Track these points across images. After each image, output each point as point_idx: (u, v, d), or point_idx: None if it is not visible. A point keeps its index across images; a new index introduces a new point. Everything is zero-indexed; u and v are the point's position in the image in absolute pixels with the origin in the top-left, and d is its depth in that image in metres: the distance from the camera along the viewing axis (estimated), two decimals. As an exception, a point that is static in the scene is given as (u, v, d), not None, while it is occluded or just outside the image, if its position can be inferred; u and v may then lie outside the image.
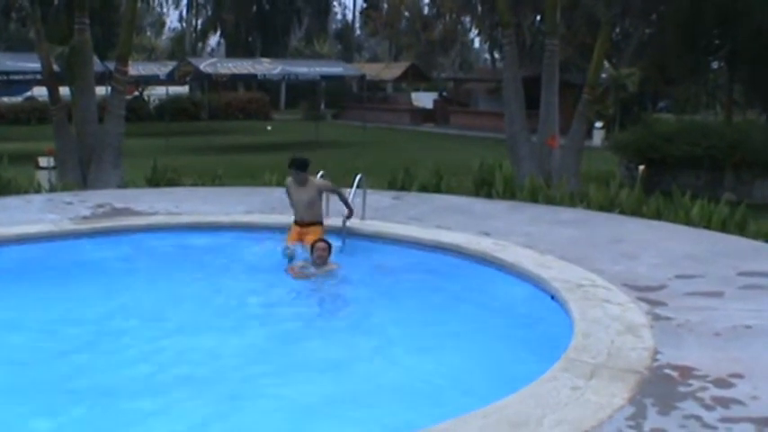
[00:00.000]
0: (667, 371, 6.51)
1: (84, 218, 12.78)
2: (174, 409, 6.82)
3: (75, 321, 8.94)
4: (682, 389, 6.17)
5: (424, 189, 16.29)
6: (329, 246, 10.54)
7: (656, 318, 7.92)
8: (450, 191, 16.30)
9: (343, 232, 12.05)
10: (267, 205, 14.06)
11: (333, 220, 12.46)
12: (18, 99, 44.14)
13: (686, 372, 6.50)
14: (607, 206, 14.21)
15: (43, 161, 17.18)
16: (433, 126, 46.06)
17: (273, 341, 8.60)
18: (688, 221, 13.03)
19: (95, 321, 8.97)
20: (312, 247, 10.51)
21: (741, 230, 12.52)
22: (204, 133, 37.04)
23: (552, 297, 9.01)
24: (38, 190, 15.82)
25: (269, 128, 41.85)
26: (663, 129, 21.51)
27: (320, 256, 10.39)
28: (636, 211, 13.76)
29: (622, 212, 13.88)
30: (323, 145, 32.06)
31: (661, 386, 6.20)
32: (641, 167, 14.85)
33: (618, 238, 11.78)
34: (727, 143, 19.57)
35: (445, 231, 11.96)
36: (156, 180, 16.89)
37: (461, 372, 7.54)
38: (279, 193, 15.31)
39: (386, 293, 9.96)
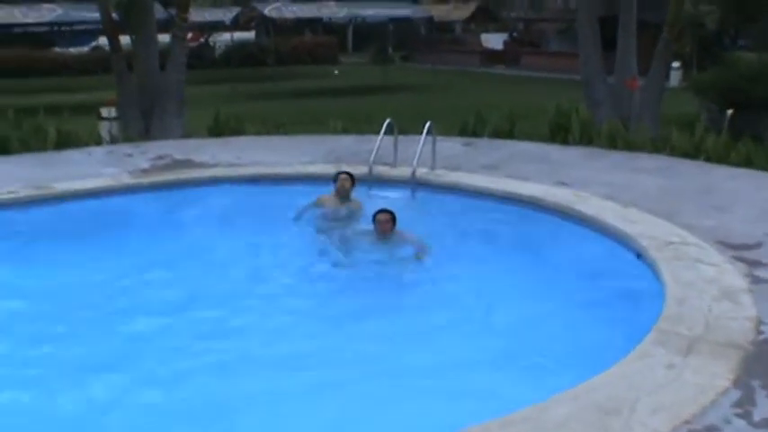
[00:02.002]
0: (774, 345, 5.83)
1: (144, 171, 12.37)
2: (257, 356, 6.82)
3: (127, 278, 8.63)
4: (794, 368, 5.48)
5: (496, 135, 15.52)
6: (393, 217, 9.32)
7: (756, 281, 7.18)
8: (523, 136, 15.52)
9: (413, 184, 11.46)
10: (332, 155, 13.49)
11: (401, 170, 11.87)
12: (85, 49, 43.99)
13: (796, 346, 5.80)
14: (692, 153, 13.31)
15: (105, 112, 16.75)
16: (503, 68, 44.81)
17: (338, 300, 8.18)
18: (781, 169, 12.12)
19: (148, 277, 8.65)
20: (374, 218, 9.33)
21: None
22: (270, 79, 36.51)
23: (638, 255, 8.30)
24: (99, 142, 15.45)
25: (336, 72, 41.09)
26: (746, 68, 20.25)
27: (383, 230, 9.26)
28: (723, 159, 12.84)
29: (708, 159, 12.97)
30: (391, 89, 31.30)
31: (769, 364, 5.52)
32: (729, 111, 13.83)
33: (706, 188, 10.97)
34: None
35: (520, 182, 11.27)
36: (219, 130, 16.38)
37: (538, 339, 6.91)
38: (345, 142, 14.81)
39: (457, 250, 9.35)
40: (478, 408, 5.55)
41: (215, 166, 12.70)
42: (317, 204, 10.48)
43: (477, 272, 8.65)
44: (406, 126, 13.44)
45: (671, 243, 8.23)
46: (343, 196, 10.38)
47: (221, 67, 42.15)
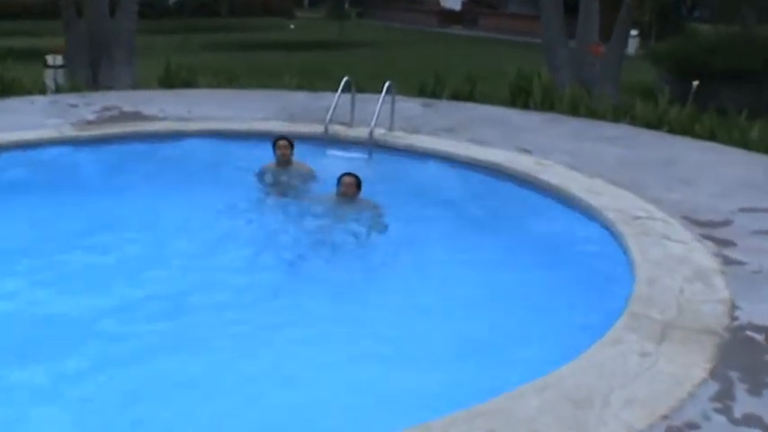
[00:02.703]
0: (750, 332, 5.53)
1: (89, 122, 11.78)
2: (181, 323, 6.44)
3: (63, 236, 8.15)
4: (771, 358, 5.21)
5: (455, 97, 15.14)
6: (358, 182, 9.03)
7: (727, 261, 6.90)
8: (483, 99, 15.15)
9: (370, 145, 11.05)
10: (286, 112, 13.00)
11: (358, 130, 11.44)
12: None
13: (772, 334, 5.53)
14: (654, 123, 13.04)
15: (51, 59, 16.04)
16: (460, 29, 44.33)
17: (283, 267, 7.76)
18: (745, 144, 11.87)
19: (84, 237, 8.16)
20: (339, 180, 8.97)
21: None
22: (224, 30, 35.68)
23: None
24: (43, 91, 14.78)
25: (292, 26, 40.35)
26: (704, 39, 20.02)
27: (345, 192, 8.94)
28: (687, 131, 12.58)
29: (671, 131, 12.71)
30: (347, 46, 30.73)
31: (746, 354, 5.22)
32: (695, 83, 13.56)
33: (670, 159, 10.70)
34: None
35: (481, 146, 10.92)
36: (170, 81, 15.77)
37: (500, 318, 6.55)
38: (300, 98, 14.32)
39: (414, 215, 8.93)
40: (437, 392, 5.25)
41: (164, 119, 12.15)
42: (265, 169, 10.07)
43: (436, 241, 8.30)
44: (362, 84, 12.98)
45: (637, 217, 7.94)
46: (284, 163, 9.93)
47: (174, 17, 41.12)
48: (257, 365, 5.78)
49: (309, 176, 10.02)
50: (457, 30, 43.57)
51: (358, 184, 8.93)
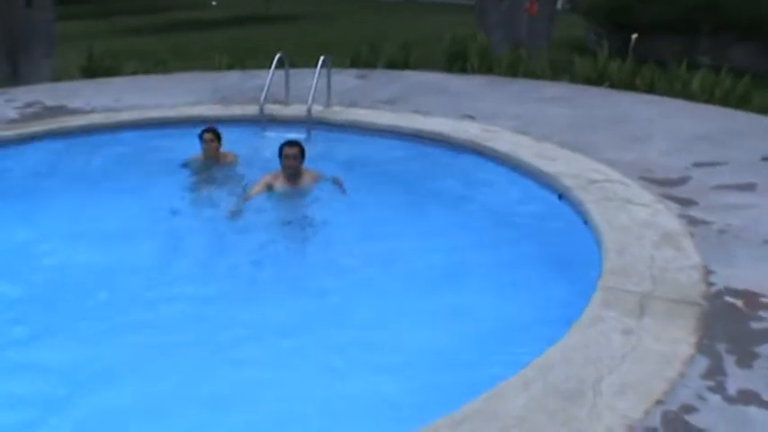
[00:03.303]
0: (728, 298, 5.29)
1: (11, 121, 11.17)
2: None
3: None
4: (755, 325, 4.96)
5: (391, 65, 14.76)
6: (302, 150, 8.43)
7: (692, 222, 6.68)
8: (419, 67, 14.79)
9: (308, 123, 10.65)
10: (218, 94, 12.52)
11: (294, 108, 11.03)
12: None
13: (751, 298, 5.29)
14: (595, 79, 12.82)
15: (-35, 54, 15.29)
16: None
17: (228, 259, 7.34)
18: (686, 95, 11.71)
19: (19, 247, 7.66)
20: (280, 153, 8.38)
21: (744, 105, 11.23)
22: (146, 12, 34.69)
23: (560, 196, 7.73)
24: (-41, 88, 14.05)
25: (214, 3, 39.39)
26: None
27: (290, 166, 8.36)
28: (628, 86, 12.38)
29: (612, 86, 12.50)
30: (274, 19, 30.04)
31: (728, 322, 4.98)
32: (634, 35, 13.34)
33: (617, 117, 10.48)
34: (704, 3, 17.98)
35: (423, 117, 10.59)
36: (93, 69, 15.11)
37: (464, 301, 6.23)
38: (231, 79, 13.82)
39: (360, 198, 8.46)
40: (407, 386, 4.93)
41: (90, 112, 11.58)
42: (192, 161, 9.56)
43: (389, 222, 7.90)
44: (294, 59, 12.53)
45: (595, 181, 7.69)
46: (211, 156, 9.39)
47: (92, 1, 39.87)
48: (218, 384, 5.32)
49: (234, 164, 9.57)
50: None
51: (302, 153, 8.41)
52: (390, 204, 8.28)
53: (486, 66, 13.95)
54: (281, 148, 8.40)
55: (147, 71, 15.26)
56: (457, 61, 14.38)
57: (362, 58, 15.01)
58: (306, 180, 8.48)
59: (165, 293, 6.59)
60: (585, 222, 6.97)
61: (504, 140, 9.27)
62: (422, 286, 6.52)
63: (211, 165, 9.39)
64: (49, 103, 12.22)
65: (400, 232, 7.58)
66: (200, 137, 9.31)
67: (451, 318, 5.97)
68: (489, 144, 9.16)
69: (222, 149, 9.50)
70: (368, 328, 5.88)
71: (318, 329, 5.87)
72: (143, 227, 8.04)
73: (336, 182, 8.50)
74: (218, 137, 9.36)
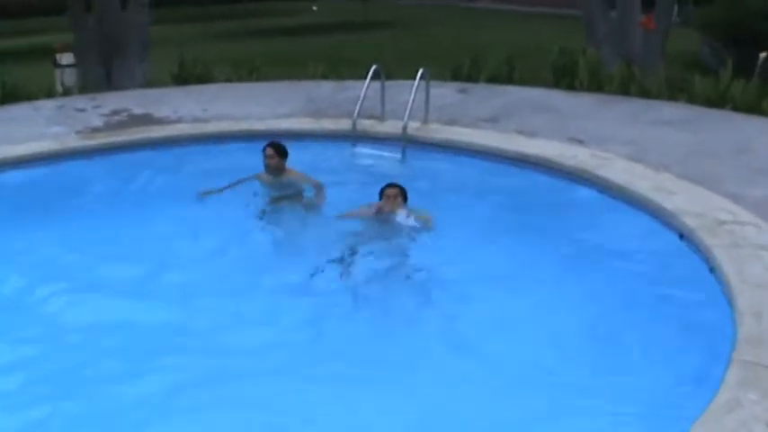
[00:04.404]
0: None
1: (95, 130, 10.76)
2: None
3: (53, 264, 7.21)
4: None
5: (493, 80, 13.92)
6: (403, 191, 7.78)
7: (843, 277, 5.74)
8: (523, 81, 13.92)
9: (404, 141, 9.95)
10: (310, 105, 11.92)
11: (390, 124, 10.35)
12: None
13: None
14: (716, 100, 11.77)
15: (61, 58, 15.03)
16: (487, 2, 42.85)
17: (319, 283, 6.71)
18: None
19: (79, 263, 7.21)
20: (381, 192, 7.74)
21: None
22: (244, 16, 34.52)
23: (681, 236, 6.86)
24: (51, 93, 13.75)
25: (314, 8, 39.08)
26: (754, 4, 18.51)
27: (383, 208, 7.68)
28: (754, 108, 11.29)
29: (735, 109, 11.43)
30: (372, 27, 29.45)
31: None
32: (763, 54, 12.23)
33: (742, 145, 9.49)
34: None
35: (528, 138, 9.78)
36: (184, 76, 14.68)
37: (563, 356, 5.42)
38: (325, 89, 13.22)
39: (460, 224, 7.69)
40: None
41: (177, 121, 11.11)
42: (256, 178, 8.87)
43: (487, 257, 7.09)
44: (391, 69, 11.88)
45: (722, 222, 6.78)
46: (274, 173, 8.68)
47: (191, 4, 39.94)
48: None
49: (299, 185, 8.77)
50: (483, 3, 42.09)
51: (404, 195, 7.74)
52: (488, 238, 7.47)
53: (596, 82, 13.02)
54: (382, 190, 7.75)
55: (239, 78, 14.76)
56: (564, 76, 13.47)
57: (464, 70, 14.19)
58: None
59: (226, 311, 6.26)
60: (712, 270, 6.10)
61: (617, 169, 8.40)
62: (513, 330, 5.75)
63: (274, 181, 8.70)
64: (136, 110, 11.82)
65: (499, 273, 6.75)
66: (263, 152, 8.65)
67: (546, 351, 5.33)
68: (600, 173, 8.30)
69: (294, 165, 8.79)
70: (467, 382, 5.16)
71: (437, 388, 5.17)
72: (211, 243, 7.60)
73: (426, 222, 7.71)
74: (280, 152, 8.64)
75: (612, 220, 7.60)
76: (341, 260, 7.05)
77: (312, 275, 6.81)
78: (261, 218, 8.28)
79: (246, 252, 7.48)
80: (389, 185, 7.74)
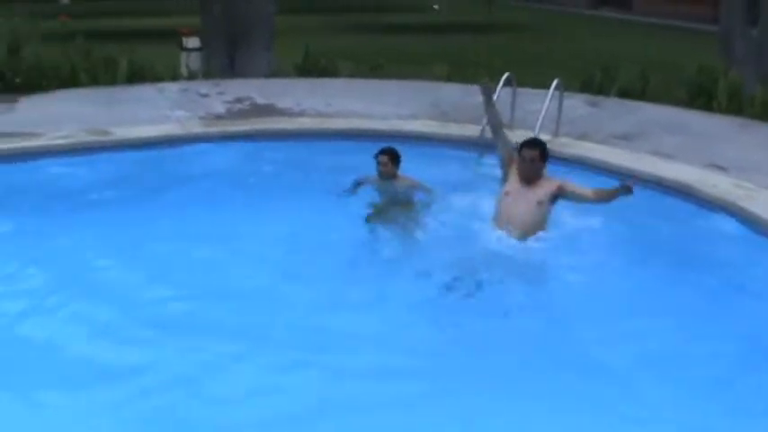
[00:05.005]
0: None
1: (217, 117, 10.68)
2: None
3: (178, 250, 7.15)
4: None
5: (625, 94, 13.35)
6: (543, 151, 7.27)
7: None
8: (655, 97, 13.32)
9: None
10: (435, 108, 11.61)
11: (518, 133, 9.92)
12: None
13: None
14: None
15: (187, 41, 15.07)
16: (612, 10, 41.87)
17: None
18: None
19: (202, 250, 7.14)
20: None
21: None
22: (363, 11, 34.42)
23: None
24: (176, 77, 13.79)
25: (436, 6, 38.76)
26: None
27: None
28: None
29: None
30: (495, 29, 28.99)
31: None
32: None
33: None
34: None
35: (664, 161, 9.28)
36: (308, 69, 14.54)
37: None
38: (450, 92, 12.89)
39: (591, 250, 7.17)
40: None
41: (300, 114, 10.94)
42: (372, 180, 8.51)
43: (622, 290, 6.62)
44: (519, 75, 11.47)
45: None
46: (386, 179, 8.29)
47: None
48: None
49: (412, 191, 8.35)
50: (607, 12, 41.13)
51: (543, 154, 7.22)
52: (618, 263, 7.03)
53: (736, 105, 12.35)
54: (520, 147, 7.27)
55: (362, 74, 14.53)
56: (701, 96, 12.84)
57: (595, 82, 13.65)
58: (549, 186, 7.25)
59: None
60: None
61: (764, 202, 7.84)
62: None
63: (386, 188, 8.34)
64: (259, 100, 11.73)
65: (629, 301, 6.37)
66: (375, 158, 8.29)
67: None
68: (745, 205, 7.77)
69: (415, 169, 8.38)
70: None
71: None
72: (313, 244, 7.39)
73: None
74: (394, 159, 8.25)
75: (756, 257, 7.04)
76: (447, 275, 6.66)
77: (416, 287, 6.51)
78: (368, 222, 8.00)
79: (348, 256, 7.19)
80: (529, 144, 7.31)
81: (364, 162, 8.64)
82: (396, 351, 5.62)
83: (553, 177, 7.31)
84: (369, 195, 8.35)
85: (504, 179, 7.42)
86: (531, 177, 7.12)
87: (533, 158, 7.13)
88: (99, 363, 5.39)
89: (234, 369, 5.39)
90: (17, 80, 12.63)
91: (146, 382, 5.20)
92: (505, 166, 7.47)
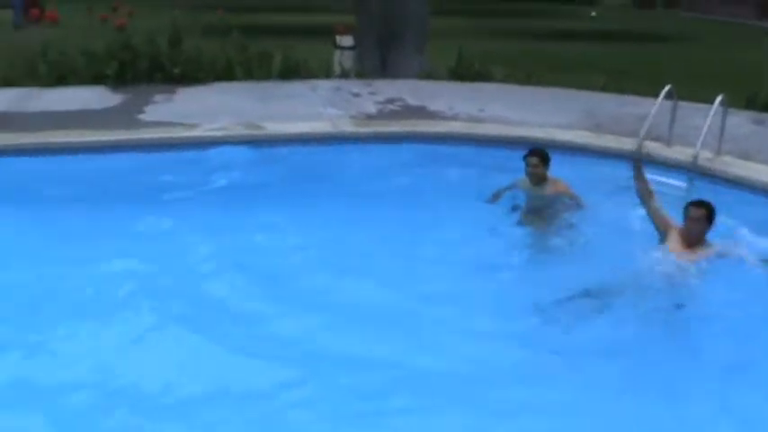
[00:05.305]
0: None
1: (369, 117, 10.64)
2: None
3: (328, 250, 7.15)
4: None
5: (792, 113, 12.65)
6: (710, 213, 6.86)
7: None
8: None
9: (692, 171, 9.12)
10: (591, 119, 11.26)
11: (677, 150, 9.54)
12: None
13: None
14: None
15: (341, 40, 15.15)
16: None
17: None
18: None
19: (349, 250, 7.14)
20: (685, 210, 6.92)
21: None
22: (516, 15, 34.01)
23: None
24: (329, 74, 13.90)
25: (593, 14, 38.02)
26: None
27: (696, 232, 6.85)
28: None
29: None
30: (654, 38, 28.13)
31: None
32: None
33: None
34: None
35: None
36: (461, 72, 14.37)
37: None
38: (605, 103, 12.51)
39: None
40: None
41: (452, 118, 10.78)
42: (517, 185, 8.31)
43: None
44: (676, 87, 11.02)
45: None
46: (536, 182, 8.05)
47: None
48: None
49: (562, 197, 8.08)
50: (775, 25, 39.41)
51: (710, 216, 6.81)
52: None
53: None
54: (687, 205, 6.92)
55: (517, 80, 14.27)
56: None
57: (761, 98, 12.97)
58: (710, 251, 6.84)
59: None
60: None
61: None
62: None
63: (535, 191, 8.11)
64: (411, 102, 11.65)
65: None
66: (525, 159, 8.06)
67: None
68: None
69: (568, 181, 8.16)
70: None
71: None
72: (458, 248, 7.25)
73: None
74: (544, 160, 8.03)
75: None
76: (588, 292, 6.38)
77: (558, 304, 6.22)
78: (515, 228, 7.79)
79: (494, 263, 6.99)
80: (695, 203, 6.89)
81: (514, 169, 8.47)
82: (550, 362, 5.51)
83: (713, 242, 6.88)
84: (515, 200, 8.20)
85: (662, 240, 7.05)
86: (693, 239, 6.75)
87: (699, 218, 6.78)
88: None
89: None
90: (176, 71, 13.00)
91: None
92: (660, 231, 7.12)
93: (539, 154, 8.04)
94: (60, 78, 12.88)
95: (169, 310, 5.96)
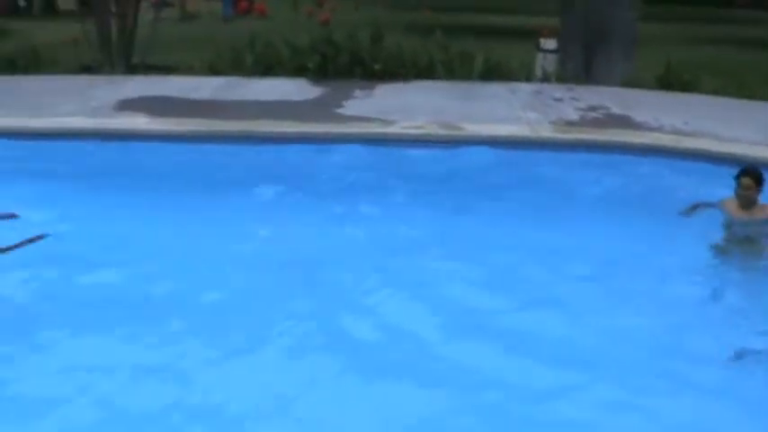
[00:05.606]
0: None
1: (568, 123, 10.34)
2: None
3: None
4: None
5: None
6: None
7: None
8: None
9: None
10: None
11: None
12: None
13: None
14: None
15: (544, 43, 14.82)
16: None
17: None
18: None
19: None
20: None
21: None
22: (732, 22, 32.23)
23: None
24: (530, 77, 13.65)
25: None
26: None
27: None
28: None
29: None
30: None
31: None
32: None
33: None
34: None
35: None
36: (669, 81, 13.73)
37: None
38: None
39: None
40: None
41: (656, 130, 10.31)
42: (719, 207, 7.55)
43: None
44: None
45: None
46: (745, 205, 7.30)
47: (679, 3, 38.19)
48: None
49: None
50: None
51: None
52: None
53: None
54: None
55: (727, 92, 13.48)
56: None
57: None
58: None
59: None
60: None
61: None
62: None
63: (744, 216, 7.33)
64: (615, 110, 11.24)
65: None
66: (736, 179, 7.30)
67: None
68: None
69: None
70: None
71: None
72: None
73: None
74: (759, 182, 7.23)
75: None
76: None
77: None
78: (715, 257, 7.08)
79: (681, 293, 6.41)
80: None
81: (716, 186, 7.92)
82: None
83: None
84: (712, 223, 7.47)
85: None
86: None
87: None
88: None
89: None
90: (376, 67, 13.12)
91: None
92: None
93: (753, 174, 7.28)
94: (266, 69, 13.29)
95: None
